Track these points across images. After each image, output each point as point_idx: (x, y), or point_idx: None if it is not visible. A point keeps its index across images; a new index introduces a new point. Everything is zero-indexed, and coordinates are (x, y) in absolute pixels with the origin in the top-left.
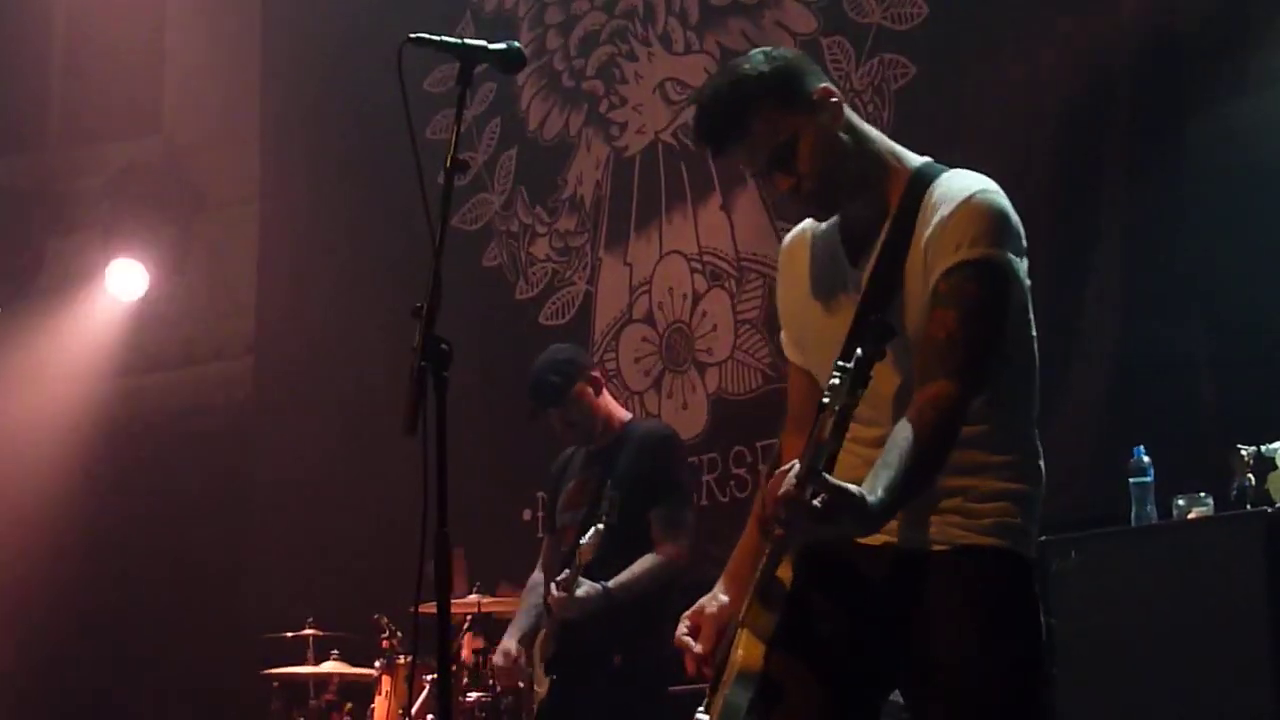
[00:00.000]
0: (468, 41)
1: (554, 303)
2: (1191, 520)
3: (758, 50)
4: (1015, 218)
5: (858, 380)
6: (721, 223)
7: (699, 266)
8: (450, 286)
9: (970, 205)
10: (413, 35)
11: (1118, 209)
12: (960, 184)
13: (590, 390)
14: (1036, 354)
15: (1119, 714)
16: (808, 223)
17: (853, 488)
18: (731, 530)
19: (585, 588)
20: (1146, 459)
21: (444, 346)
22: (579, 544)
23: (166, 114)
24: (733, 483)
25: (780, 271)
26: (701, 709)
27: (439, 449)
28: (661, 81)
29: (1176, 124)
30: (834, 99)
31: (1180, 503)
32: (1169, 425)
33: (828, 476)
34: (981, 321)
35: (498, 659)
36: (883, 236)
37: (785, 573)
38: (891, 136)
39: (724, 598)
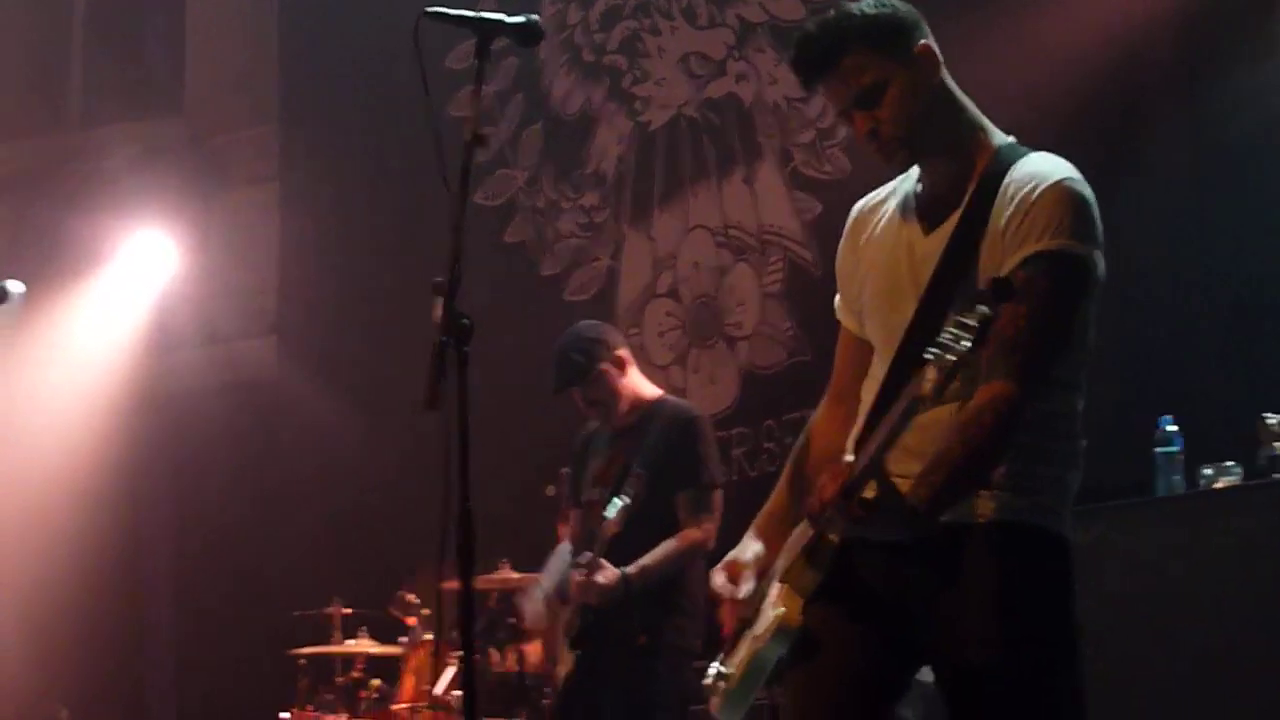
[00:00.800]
0: (484, 15)
1: (578, 278)
2: (1219, 489)
3: None
4: (1096, 207)
5: (979, 338)
6: (745, 196)
7: (724, 240)
8: (472, 262)
9: (1055, 191)
10: (429, 9)
11: (1144, 177)
12: (1047, 167)
13: (614, 370)
14: (1092, 343)
15: (1146, 684)
16: (883, 191)
17: (904, 491)
18: (757, 506)
19: (605, 574)
20: (1173, 428)
21: (465, 322)
22: (603, 519)
23: (188, 93)
24: (764, 456)
25: (847, 235)
26: (718, 662)
27: (461, 424)
28: (685, 55)
29: (1211, 90)
30: (933, 56)
31: (1207, 472)
32: (1196, 394)
33: (874, 492)
34: (1052, 322)
35: (525, 609)
36: (962, 208)
37: (834, 537)
38: None
39: (757, 547)
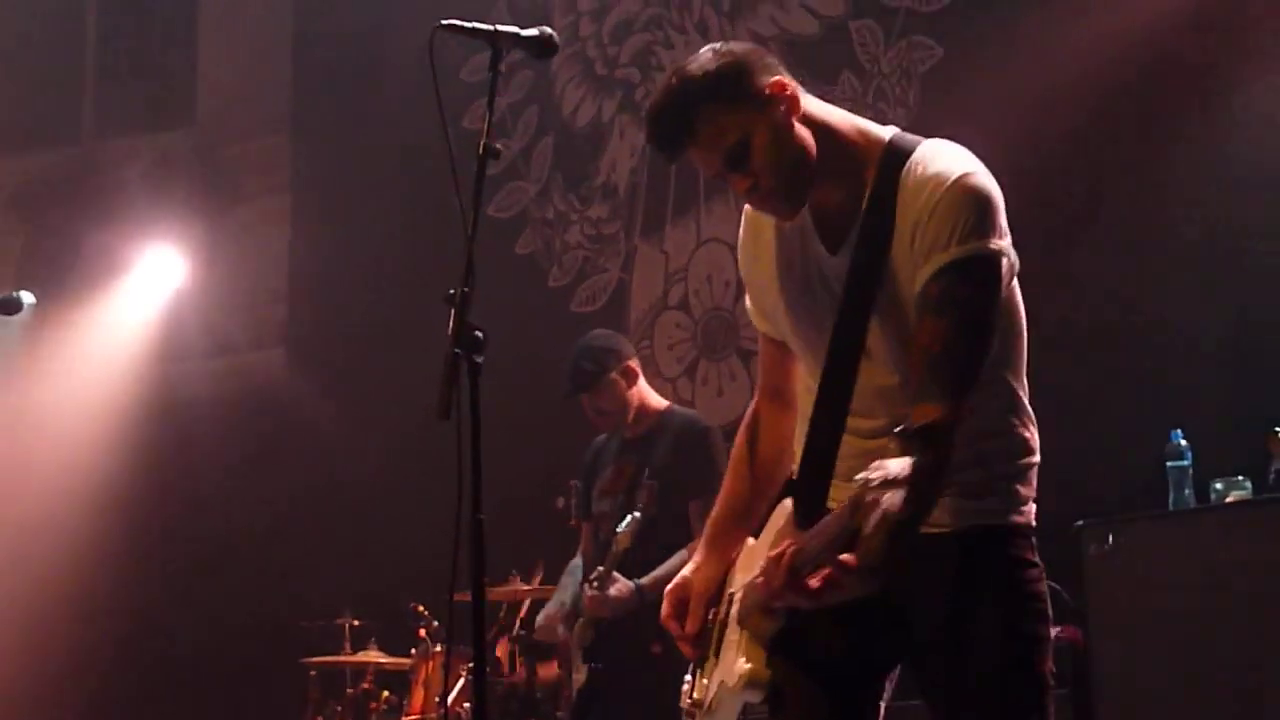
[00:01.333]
0: (499, 28)
1: (586, 290)
2: (1230, 504)
3: (707, 48)
4: (998, 194)
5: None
6: None
7: None
8: (483, 274)
9: (956, 191)
10: (443, 21)
11: (1155, 189)
12: (942, 164)
13: (623, 381)
14: (1023, 319)
15: (1158, 696)
16: None
17: (842, 566)
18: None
19: (618, 586)
20: (1184, 443)
21: (478, 333)
22: (615, 533)
23: (199, 105)
24: None
25: (743, 240)
26: (689, 678)
27: (473, 435)
28: None
29: (1209, 99)
30: (788, 91)
31: (1218, 486)
32: (1206, 409)
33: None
34: (974, 331)
35: (540, 621)
36: (859, 221)
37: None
38: (917, 117)
39: (710, 570)
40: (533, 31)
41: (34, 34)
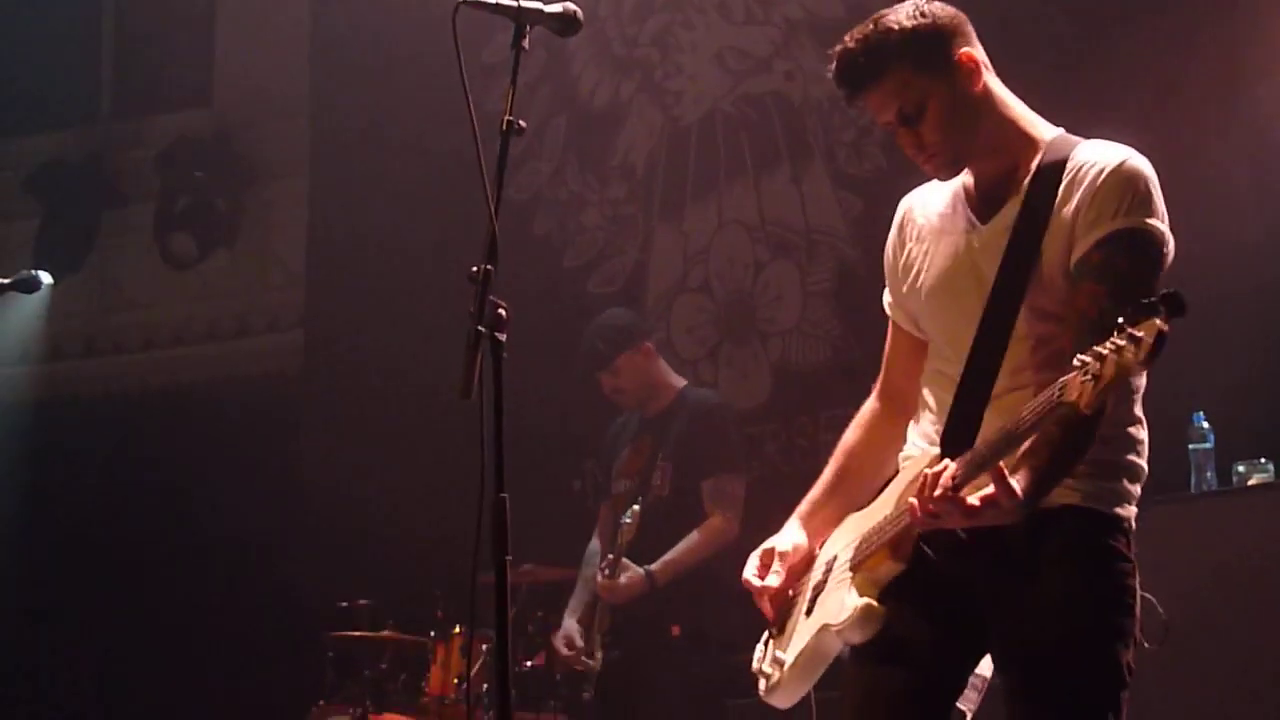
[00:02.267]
0: (522, 4)
1: (603, 270)
2: (1252, 487)
3: (912, 2)
4: (1157, 182)
5: (1155, 353)
6: (791, 194)
7: (761, 237)
8: (501, 256)
9: (1120, 172)
10: None
11: (1178, 169)
12: (1108, 151)
13: (638, 359)
14: None
15: (1179, 681)
16: (930, 185)
17: (1009, 488)
18: (793, 500)
19: (629, 574)
20: (1206, 425)
21: (501, 311)
22: (620, 523)
23: (217, 86)
24: (795, 452)
25: (895, 230)
26: (763, 647)
27: (496, 412)
28: (719, 50)
29: (1248, 85)
30: (974, 64)
31: (1240, 469)
32: (1229, 391)
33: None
34: (1133, 295)
35: (559, 645)
36: (1021, 197)
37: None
38: None
39: (798, 538)
40: (556, 8)
41: (51, 15)
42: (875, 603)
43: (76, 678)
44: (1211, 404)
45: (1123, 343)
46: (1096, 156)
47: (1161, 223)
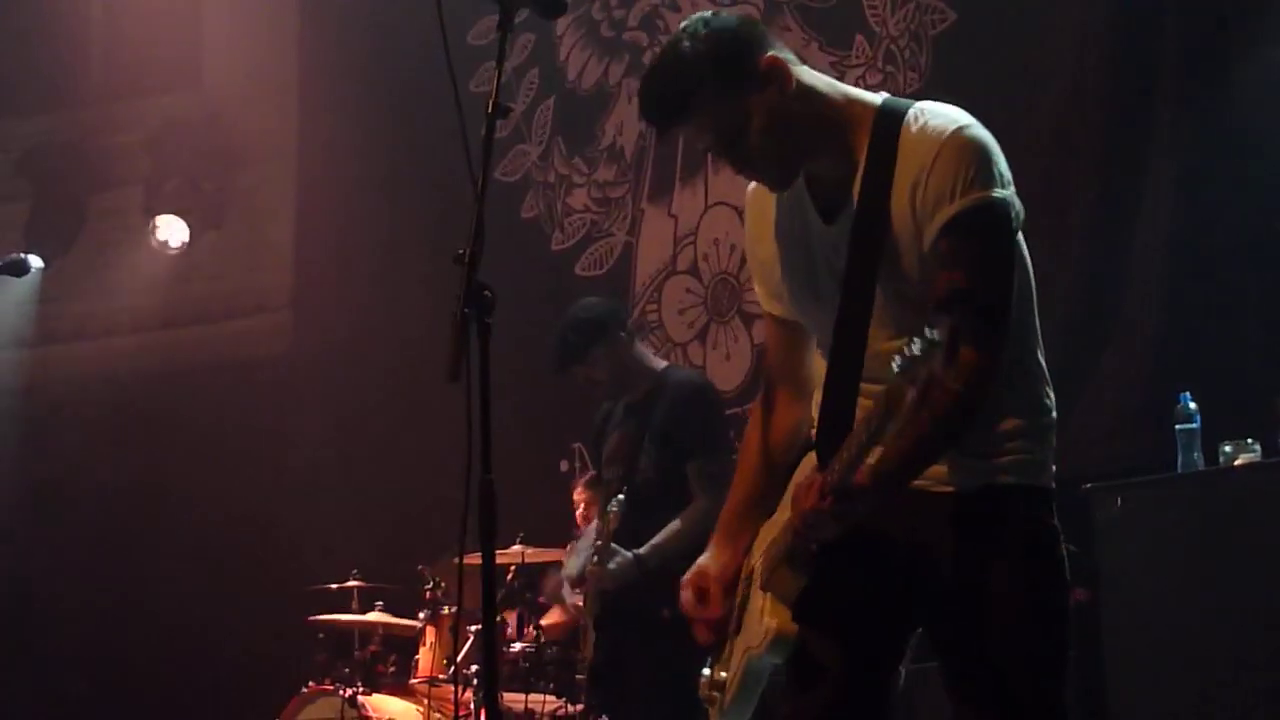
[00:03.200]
0: None
1: (591, 254)
2: (1238, 466)
3: (698, 19)
4: (995, 145)
5: (949, 355)
6: None
7: None
8: (487, 238)
9: (954, 144)
10: None
11: (1165, 153)
12: (938, 120)
13: (614, 348)
14: (1032, 278)
15: (1164, 660)
16: None
17: (858, 480)
18: None
19: (617, 560)
20: (1193, 405)
21: (487, 293)
22: (606, 512)
23: (206, 68)
24: None
25: (748, 223)
26: (708, 668)
27: (483, 394)
28: None
29: (1225, 66)
30: (779, 67)
31: (1227, 449)
32: (1215, 371)
33: (850, 489)
34: (992, 278)
35: (548, 586)
36: (857, 188)
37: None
38: (929, 81)
39: (725, 557)
40: None
41: None
42: (786, 624)
43: (63, 656)
44: (1198, 384)
45: (921, 349)
46: (929, 128)
47: (1000, 189)
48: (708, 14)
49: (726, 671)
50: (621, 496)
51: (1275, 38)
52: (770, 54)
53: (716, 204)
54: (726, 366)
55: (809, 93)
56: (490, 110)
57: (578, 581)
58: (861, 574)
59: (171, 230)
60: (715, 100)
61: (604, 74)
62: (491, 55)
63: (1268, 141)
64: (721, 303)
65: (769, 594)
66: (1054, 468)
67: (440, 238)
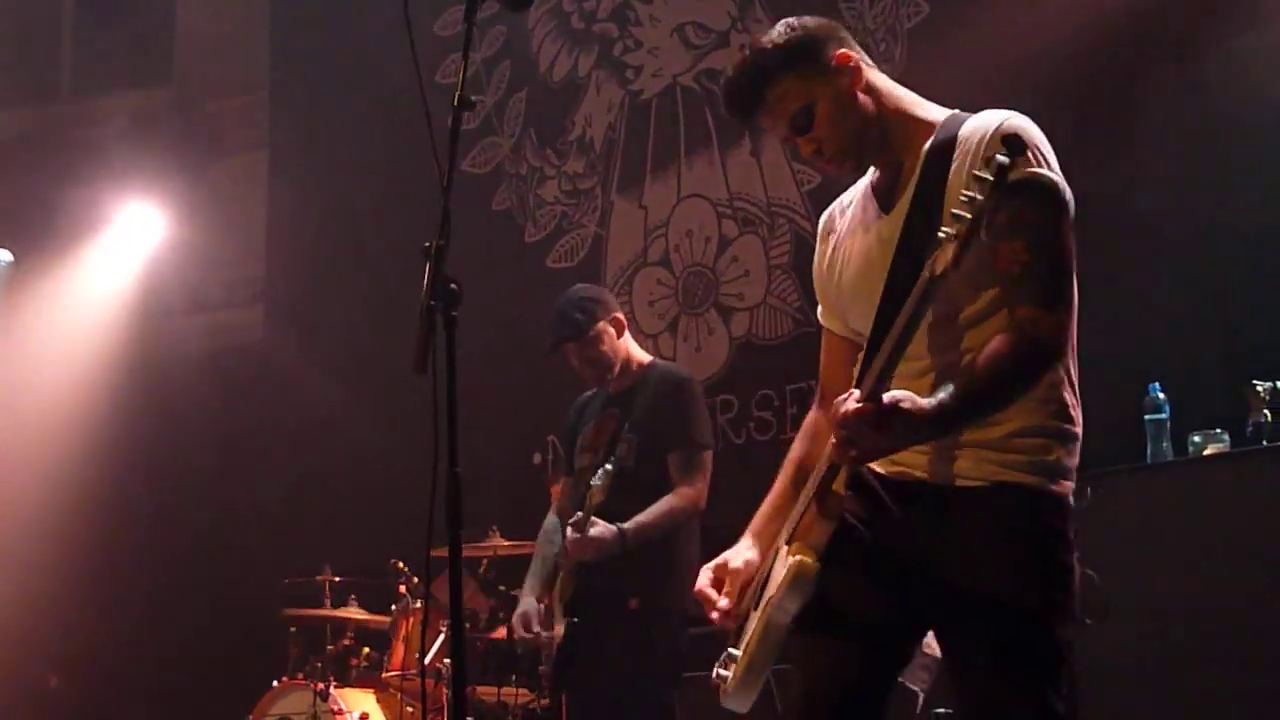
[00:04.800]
0: None
1: (562, 245)
2: (1207, 457)
3: (782, 21)
4: (1048, 143)
5: (996, 185)
6: (752, 169)
7: (728, 211)
8: (461, 230)
9: (1009, 126)
10: None
11: (1136, 143)
12: (994, 114)
13: (612, 330)
14: (1076, 291)
15: (1134, 651)
16: (847, 194)
17: (916, 401)
18: (745, 472)
19: (600, 528)
20: (1162, 395)
21: (453, 286)
22: (590, 485)
23: (178, 61)
24: (752, 425)
25: (819, 241)
26: (720, 665)
27: (449, 388)
28: (681, 25)
29: (1197, 56)
30: (851, 63)
31: (1196, 439)
32: (1184, 362)
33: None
34: (1051, 247)
35: (517, 626)
36: (915, 179)
37: (840, 487)
38: (903, 74)
39: (750, 554)
40: None
41: None
42: (808, 559)
43: (33, 650)
44: (1167, 374)
45: (971, 193)
46: (981, 123)
47: (1055, 174)
48: (791, 19)
49: (738, 649)
50: (610, 467)
51: (1244, 29)
52: (844, 51)
53: (690, 196)
54: (698, 357)
55: (880, 92)
56: (456, 103)
57: (545, 607)
58: (868, 573)
59: (142, 224)
60: (788, 85)
61: (574, 66)
62: (459, 46)
63: (1238, 130)
64: (695, 294)
65: (795, 544)
66: (1071, 482)
67: (412, 229)
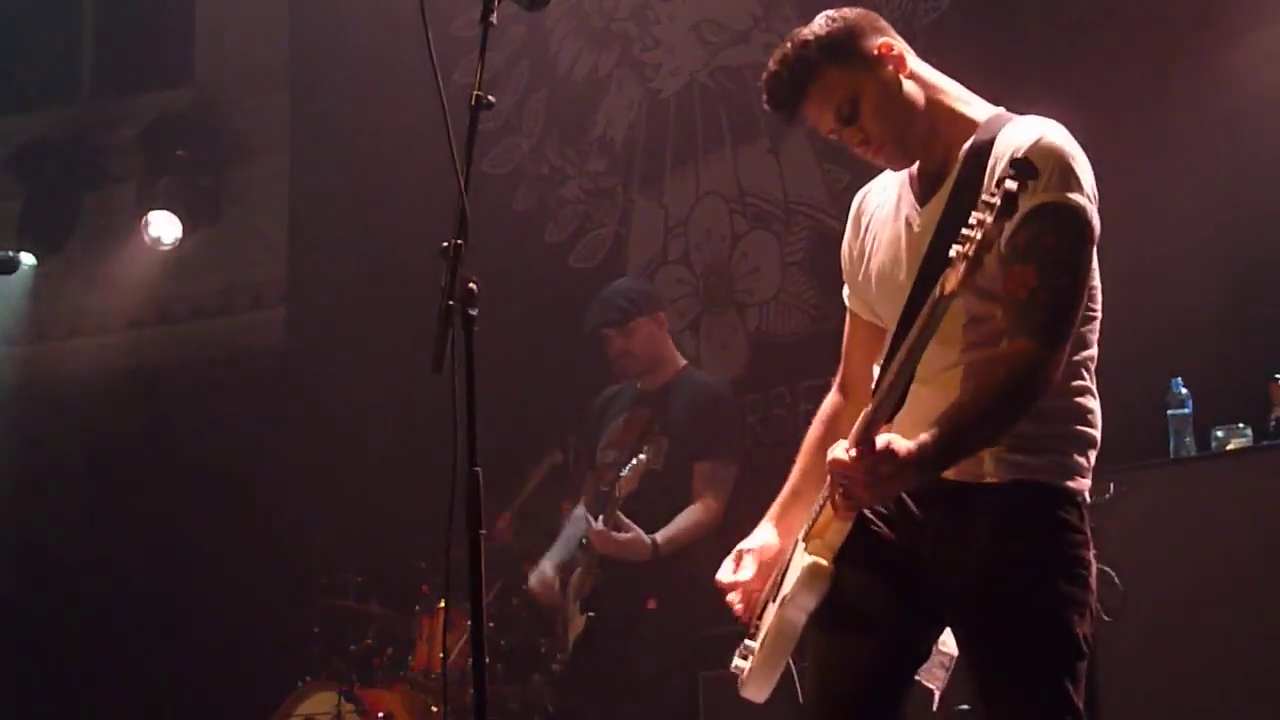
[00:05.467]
0: None
1: (584, 245)
2: (1230, 451)
3: (823, 13)
4: (1085, 162)
5: (1005, 210)
6: (769, 166)
7: (739, 208)
8: (482, 231)
9: (1042, 145)
10: None
11: (1153, 138)
12: (1032, 127)
13: (653, 325)
14: (1100, 293)
15: (1156, 646)
16: (881, 178)
17: (899, 448)
18: (766, 471)
19: (632, 534)
20: (1184, 390)
21: (471, 285)
22: (619, 476)
23: (198, 63)
24: (774, 422)
25: (850, 224)
26: (738, 655)
27: (468, 386)
28: (697, 23)
29: (1207, 52)
30: (894, 51)
31: (1219, 434)
32: (1207, 356)
33: (878, 439)
34: (1063, 276)
35: (534, 583)
36: (953, 176)
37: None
38: None
39: (769, 537)
40: None
41: None
42: (822, 560)
43: (60, 654)
44: (1189, 369)
45: (981, 216)
46: (1020, 134)
47: (1082, 197)
48: (831, 11)
49: (755, 640)
50: (643, 457)
51: (1257, 24)
52: (886, 40)
53: (709, 194)
54: (724, 356)
55: (924, 83)
56: (473, 104)
57: (566, 568)
58: (886, 571)
59: (164, 227)
60: (831, 77)
61: (595, 65)
62: (477, 45)
63: (1263, 123)
64: (715, 293)
65: (812, 541)
66: (1088, 480)
67: (433, 229)
